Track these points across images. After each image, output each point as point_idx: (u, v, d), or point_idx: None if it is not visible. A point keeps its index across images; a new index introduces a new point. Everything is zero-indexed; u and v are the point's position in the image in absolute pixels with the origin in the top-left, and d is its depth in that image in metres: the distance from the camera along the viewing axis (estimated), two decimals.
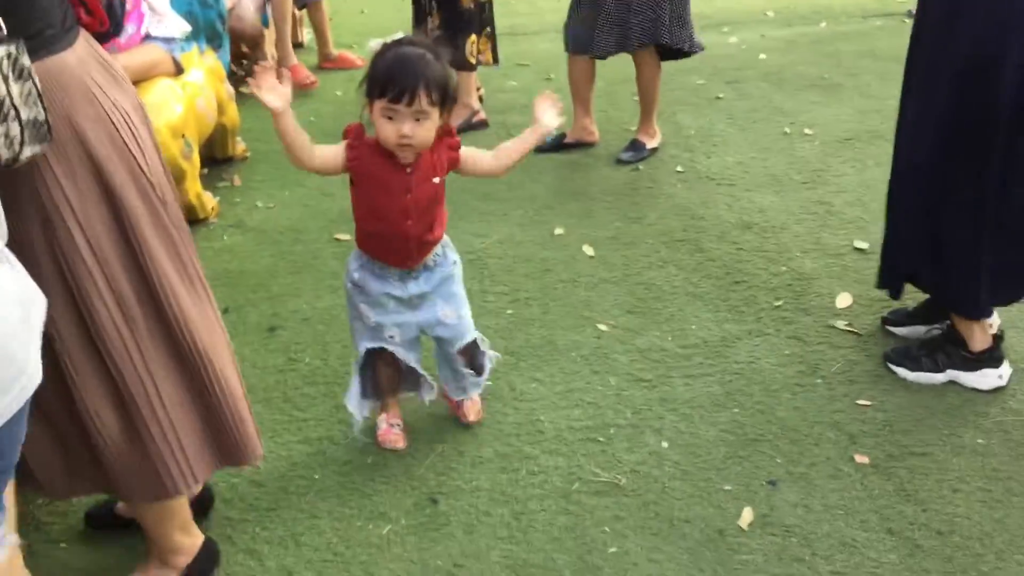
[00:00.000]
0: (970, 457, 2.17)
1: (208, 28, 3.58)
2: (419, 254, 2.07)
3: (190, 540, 1.90)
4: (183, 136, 3.15)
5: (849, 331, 2.66)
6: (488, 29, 4.23)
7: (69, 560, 1.99)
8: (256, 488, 2.17)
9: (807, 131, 4.07)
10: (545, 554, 1.96)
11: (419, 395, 2.29)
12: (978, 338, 2.37)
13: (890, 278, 2.54)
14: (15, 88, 1.31)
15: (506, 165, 2.08)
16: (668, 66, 3.86)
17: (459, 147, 2.04)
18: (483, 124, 4.29)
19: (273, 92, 1.85)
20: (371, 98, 1.90)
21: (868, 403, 2.36)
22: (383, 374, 2.27)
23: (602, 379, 2.50)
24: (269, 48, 5.01)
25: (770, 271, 2.99)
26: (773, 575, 1.89)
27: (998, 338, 2.40)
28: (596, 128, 4.05)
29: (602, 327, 2.73)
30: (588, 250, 3.17)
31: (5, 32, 1.30)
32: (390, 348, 2.17)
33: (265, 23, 4.91)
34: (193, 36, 3.44)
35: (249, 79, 1.92)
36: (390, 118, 1.88)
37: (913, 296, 2.73)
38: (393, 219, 2.00)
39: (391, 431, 2.28)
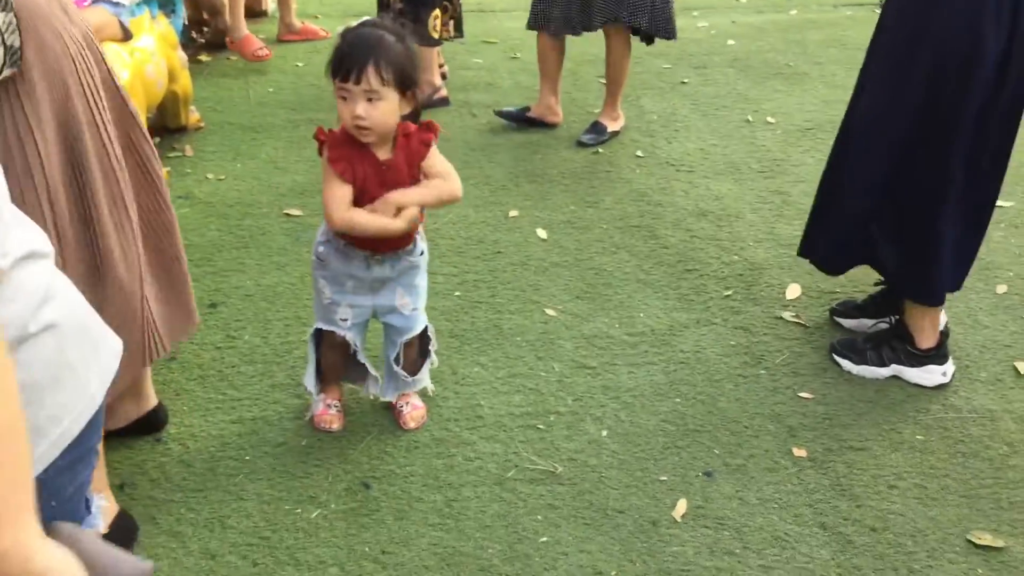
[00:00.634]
0: (908, 453, 2.17)
1: None
2: (394, 242, 2.03)
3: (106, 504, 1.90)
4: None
5: (796, 323, 2.64)
6: (447, 2, 4.15)
7: None
8: (184, 468, 2.12)
9: (769, 119, 4.04)
10: (475, 542, 1.93)
11: (364, 388, 2.25)
12: (928, 334, 2.36)
13: (839, 257, 2.49)
14: (1, 17, 1.51)
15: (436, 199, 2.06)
16: (635, 50, 3.81)
17: (430, 145, 1.99)
18: (444, 101, 4.22)
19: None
20: (333, 81, 1.88)
21: (810, 396, 2.35)
22: (328, 358, 2.22)
23: (546, 365, 2.47)
24: (229, 16, 4.89)
25: (722, 260, 2.96)
26: (703, 568, 1.87)
27: (944, 335, 2.39)
28: (560, 109, 4.00)
29: (550, 312, 2.70)
30: (541, 233, 3.13)
31: None
32: (340, 332, 2.11)
33: None
34: (145, 1, 3.34)
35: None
36: (344, 99, 1.86)
37: (863, 289, 2.72)
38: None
39: (327, 411, 2.24)
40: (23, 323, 0.97)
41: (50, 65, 1.66)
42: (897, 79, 2.24)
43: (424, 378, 2.27)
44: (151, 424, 2.20)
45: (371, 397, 2.28)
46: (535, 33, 3.82)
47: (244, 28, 4.82)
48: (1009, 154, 2.27)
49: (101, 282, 1.81)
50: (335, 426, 2.22)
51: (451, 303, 2.74)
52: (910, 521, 1.99)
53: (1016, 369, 2.45)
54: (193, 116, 3.90)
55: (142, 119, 1.95)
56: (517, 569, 1.87)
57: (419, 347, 2.22)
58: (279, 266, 2.92)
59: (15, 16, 1.54)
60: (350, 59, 1.83)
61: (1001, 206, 2.83)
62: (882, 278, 2.55)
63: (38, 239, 1.04)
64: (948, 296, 2.40)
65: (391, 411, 2.27)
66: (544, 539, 1.93)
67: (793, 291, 2.78)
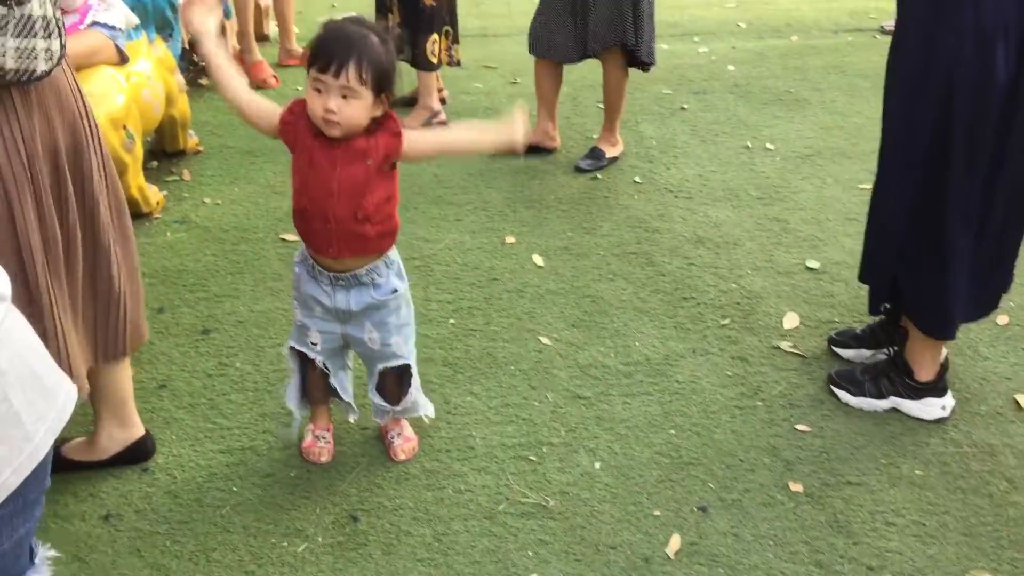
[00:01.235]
0: (907, 489, 2.13)
1: (158, 16, 3.48)
2: (341, 245, 1.93)
3: None
4: (124, 127, 3.05)
5: (794, 353, 2.61)
6: (448, 28, 4.15)
7: None
8: (171, 499, 2.09)
9: (769, 146, 4.03)
10: None
11: (344, 412, 2.22)
12: (928, 367, 2.33)
13: (878, 281, 2.44)
14: (57, 13, 1.59)
15: (451, 151, 2.01)
16: (635, 75, 3.80)
17: (400, 134, 1.90)
18: (444, 126, 4.21)
19: (195, 10, 1.88)
20: (308, 70, 1.84)
21: (807, 428, 2.31)
22: (311, 379, 2.18)
23: (539, 395, 2.44)
24: (231, 40, 4.90)
25: (719, 288, 2.94)
26: None
27: (943, 368, 2.35)
28: (558, 134, 3.99)
29: (544, 340, 2.67)
30: (538, 260, 3.11)
31: None
32: (311, 355, 2.09)
33: (228, 14, 4.81)
34: (142, 24, 3.34)
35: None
36: (318, 90, 1.82)
37: (861, 318, 2.69)
38: (316, 195, 1.91)
39: (315, 443, 2.20)
40: None
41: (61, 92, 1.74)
42: (911, 104, 2.21)
43: (414, 408, 2.19)
44: (139, 454, 2.18)
45: (352, 421, 2.25)
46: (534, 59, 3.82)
47: (257, 53, 4.84)
48: None
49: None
50: (324, 458, 2.18)
51: (445, 331, 2.72)
52: (908, 560, 1.95)
53: (1017, 402, 2.41)
54: (191, 140, 3.90)
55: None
56: None
57: (399, 381, 2.15)
58: (273, 292, 2.90)
59: (60, 15, 1.62)
60: (331, 52, 1.79)
61: None
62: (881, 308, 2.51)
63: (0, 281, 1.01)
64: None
65: (382, 441, 2.24)
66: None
67: (791, 320, 2.75)
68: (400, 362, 2.10)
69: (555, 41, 3.65)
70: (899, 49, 2.26)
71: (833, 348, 2.59)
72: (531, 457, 2.22)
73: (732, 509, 2.06)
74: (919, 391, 2.34)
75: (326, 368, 2.11)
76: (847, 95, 4.60)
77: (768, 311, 2.80)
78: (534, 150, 3.93)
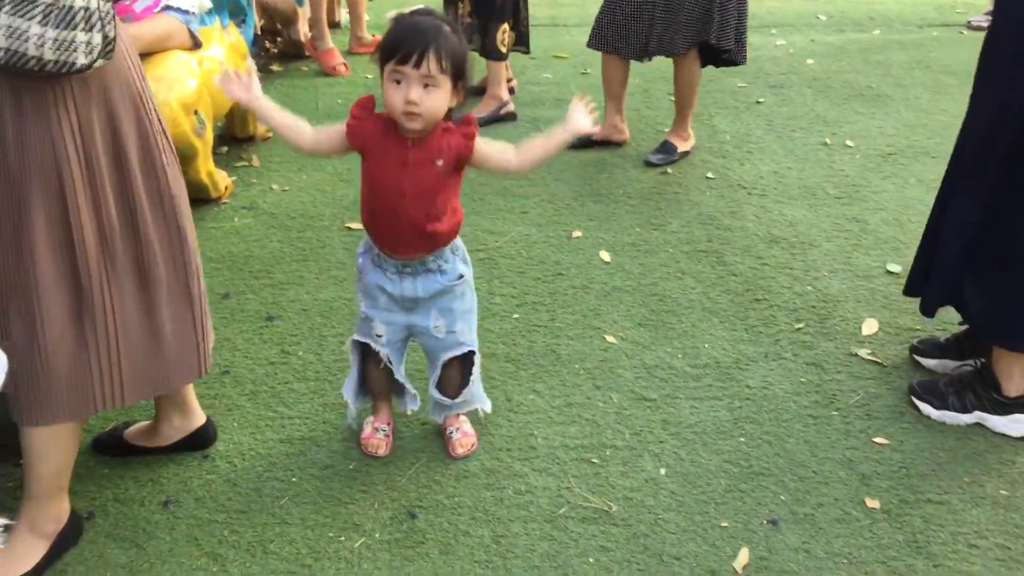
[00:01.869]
0: (991, 509, 2.01)
1: (231, 2, 3.49)
2: (414, 243, 1.93)
3: (64, 505, 1.89)
4: (196, 112, 3.06)
5: (872, 361, 2.49)
6: (521, 16, 4.09)
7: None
8: (230, 488, 2.08)
9: (848, 143, 3.88)
10: None
11: (403, 404, 2.18)
12: (1016, 381, 2.20)
13: (931, 295, 2.35)
14: (104, 6, 1.55)
15: (527, 163, 1.96)
16: (709, 68, 3.69)
17: (474, 137, 1.90)
18: (512, 116, 4.16)
19: (233, 86, 1.86)
20: (382, 64, 1.82)
21: (885, 441, 2.20)
22: (373, 373, 2.16)
23: (604, 395, 2.38)
24: (303, 27, 4.92)
25: (794, 290, 2.83)
26: None
27: None
28: (627, 127, 3.90)
29: (610, 339, 2.60)
30: (605, 255, 3.03)
31: None
32: (375, 347, 2.06)
33: (300, 0, 4.83)
34: (216, 10, 3.35)
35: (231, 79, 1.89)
36: (398, 81, 1.79)
37: (946, 326, 2.57)
38: (388, 195, 1.89)
39: (374, 436, 2.18)
40: None
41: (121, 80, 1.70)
42: (999, 106, 2.10)
43: (471, 400, 2.17)
44: (200, 441, 2.17)
45: (410, 413, 2.21)
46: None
47: (329, 40, 4.85)
48: None
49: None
50: (381, 451, 2.16)
51: (509, 326, 2.67)
52: None
53: None
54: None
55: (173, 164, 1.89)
56: None
57: (461, 370, 2.12)
58: (337, 281, 2.88)
59: (111, 6, 1.58)
60: (409, 42, 1.76)
61: None
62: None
63: None
64: None
65: (441, 437, 2.20)
66: None
67: (870, 326, 2.63)
68: (465, 349, 2.08)
69: (619, 37, 3.54)
70: (992, 47, 2.13)
71: (915, 357, 2.47)
72: (594, 459, 2.16)
73: (804, 524, 1.97)
74: (1006, 406, 2.22)
75: (390, 361, 2.08)
76: (931, 92, 4.42)
77: (846, 316, 2.69)
78: (602, 143, 3.86)
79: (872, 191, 3.46)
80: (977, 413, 2.24)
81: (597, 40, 3.65)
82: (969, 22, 5.39)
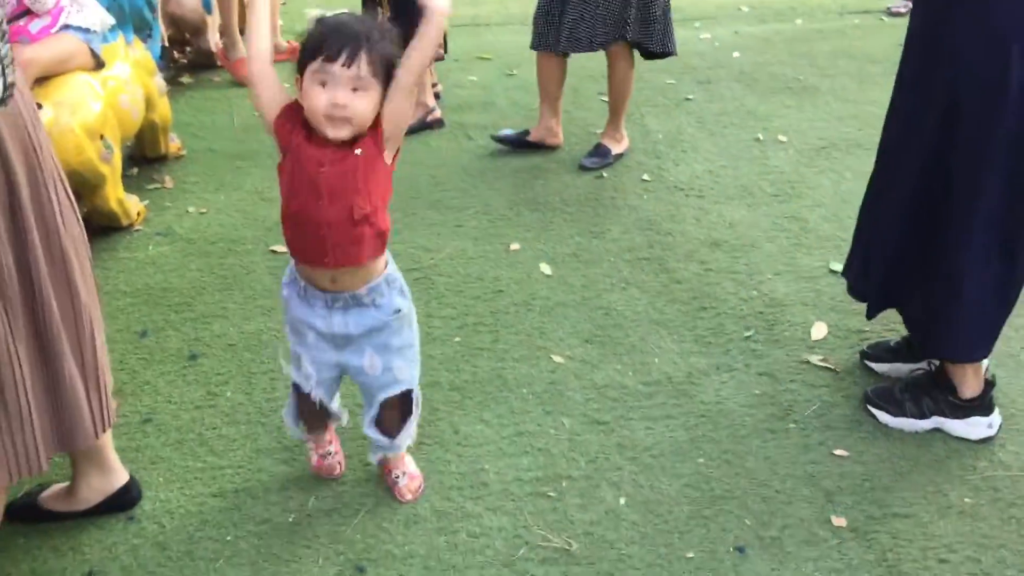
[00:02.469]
0: (957, 520, 1.97)
1: (136, 16, 3.27)
2: (339, 252, 1.73)
3: None
4: (102, 137, 2.85)
5: (825, 367, 2.44)
6: None
7: None
8: (159, 551, 1.91)
9: (781, 138, 3.85)
10: None
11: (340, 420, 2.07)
12: (970, 383, 2.16)
13: (872, 297, 2.32)
14: (2, 49, 1.43)
15: (419, 64, 1.69)
16: (637, 63, 3.61)
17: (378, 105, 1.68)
18: (439, 123, 4.02)
19: None
20: (302, 68, 1.63)
21: (846, 453, 2.15)
22: (306, 407, 1.98)
23: (555, 420, 2.27)
24: (212, 35, 4.70)
25: (740, 296, 2.76)
26: None
27: (989, 383, 2.19)
28: (561, 131, 3.80)
29: (557, 359, 2.49)
30: (545, 268, 2.93)
31: None
32: (306, 390, 1.92)
33: (208, 8, 4.60)
34: (119, 25, 3.13)
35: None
36: (323, 83, 1.61)
37: (894, 328, 2.53)
38: (304, 197, 1.70)
39: (323, 461, 2.07)
40: None
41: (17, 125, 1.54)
42: (920, 103, 2.06)
43: (407, 439, 2.01)
44: (123, 502, 2.00)
45: (345, 424, 2.07)
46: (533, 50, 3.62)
47: (242, 48, 4.62)
48: None
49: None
50: (337, 472, 2.07)
51: (451, 350, 2.54)
52: None
53: None
54: (173, 144, 3.70)
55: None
56: None
57: (401, 408, 1.96)
58: (264, 311, 2.72)
59: (11, 51, 1.45)
60: (339, 40, 1.59)
61: None
62: None
63: None
64: None
65: (385, 480, 2.06)
66: None
67: (819, 330, 2.58)
68: (403, 388, 1.92)
69: (562, 36, 3.43)
70: (911, 41, 2.10)
71: (866, 363, 2.43)
72: (550, 493, 2.05)
73: (772, 549, 1.90)
74: (964, 409, 2.18)
75: (321, 405, 1.94)
76: (857, 81, 4.43)
77: (794, 320, 2.63)
78: (535, 146, 3.76)
79: (808, 187, 3.42)
80: (935, 418, 2.20)
81: (538, 41, 3.53)
82: (889, 9, 5.43)
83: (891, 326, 2.54)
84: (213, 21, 4.65)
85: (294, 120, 1.70)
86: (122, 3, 3.20)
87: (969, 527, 1.95)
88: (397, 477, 2.04)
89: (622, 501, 2.03)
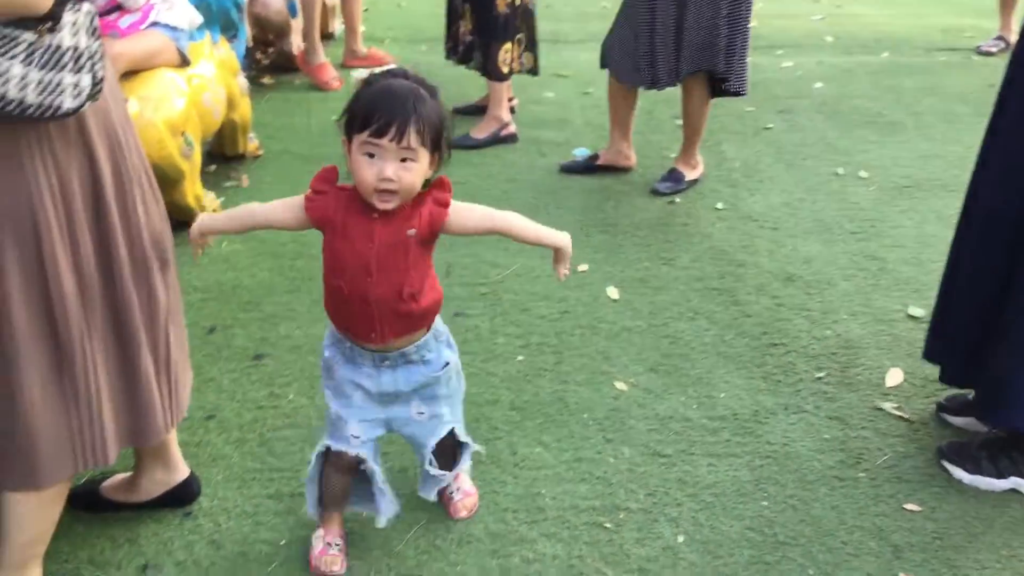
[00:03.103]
0: None
1: (223, 16, 3.33)
2: (387, 327, 1.69)
3: (37, 574, 1.74)
4: (183, 133, 2.90)
5: (898, 416, 2.35)
6: (521, 36, 3.95)
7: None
8: (214, 550, 1.92)
9: (862, 174, 3.75)
10: None
11: (376, 513, 1.89)
12: None
13: (944, 354, 2.24)
14: (93, 44, 1.44)
15: (499, 232, 1.76)
16: None
17: (448, 204, 1.67)
18: (512, 138, 4.01)
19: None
20: (350, 134, 1.59)
21: (917, 508, 2.06)
22: (332, 480, 1.86)
23: (615, 449, 2.23)
24: (296, 38, 4.77)
25: (812, 334, 2.69)
26: None
27: None
28: (633, 152, 3.76)
29: (620, 385, 2.45)
30: (613, 292, 2.89)
31: None
32: (353, 452, 1.80)
33: (293, 11, 4.67)
34: (206, 24, 3.19)
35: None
36: (371, 155, 1.57)
37: None
38: (352, 273, 1.64)
39: (327, 551, 1.88)
40: None
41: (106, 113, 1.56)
42: (1008, 168, 1.97)
43: (465, 462, 1.98)
44: (182, 497, 2.01)
45: (383, 525, 1.89)
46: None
47: (322, 54, 4.69)
48: None
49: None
50: (336, 568, 1.86)
51: (513, 368, 2.51)
52: None
53: None
54: (251, 144, 3.75)
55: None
56: None
57: (452, 447, 1.92)
58: None
59: (101, 45, 1.47)
60: (386, 112, 1.54)
61: None
62: None
63: None
64: None
65: (440, 498, 2.04)
66: None
67: (894, 377, 2.49)
68: (448, 427, 1.87)
69: (629, 66, 3.40)
70: (1005, 102, 2.01)
71: (942, 415, 2.34)
72: (607, 524, 2.01)
73: None
74: None
75: (362, 462, 1.82)
76: (944, 121, 4.30)
77: (868, 364, 2.55)
78: (607, 169, 3.72)
79: (889, 226, 3.33)
80: (1013, 479, 2.11)
81: (605, 60, 3.51)
82: (979, 47, 5.28)
83: None
84: (297, 24, 4.72)
85: (327, 193, 1.67)
86: (209, 3, 3.26)
87: None
88: (452, 493, 2.01)
89: (680, 539, 1.97)
